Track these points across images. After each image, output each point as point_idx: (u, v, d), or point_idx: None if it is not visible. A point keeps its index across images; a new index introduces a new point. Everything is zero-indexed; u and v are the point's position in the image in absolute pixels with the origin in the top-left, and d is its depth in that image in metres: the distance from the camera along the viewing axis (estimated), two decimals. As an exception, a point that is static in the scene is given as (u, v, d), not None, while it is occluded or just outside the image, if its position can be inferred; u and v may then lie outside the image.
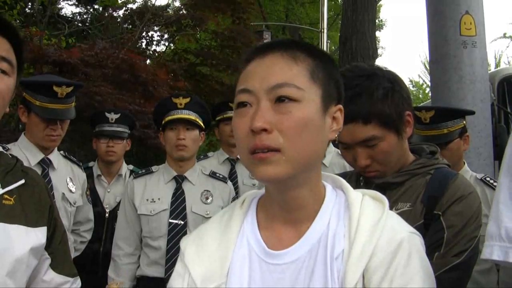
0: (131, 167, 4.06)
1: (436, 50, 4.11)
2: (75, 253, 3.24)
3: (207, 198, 3.00)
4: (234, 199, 3.00)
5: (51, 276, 1.50)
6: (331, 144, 3.29)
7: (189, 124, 2.95)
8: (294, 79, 1.08)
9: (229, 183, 3.17)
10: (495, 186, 2.34)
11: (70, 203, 3.10)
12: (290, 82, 1.08)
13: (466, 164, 3.00)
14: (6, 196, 1.40)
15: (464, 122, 2.95)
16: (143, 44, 12.14)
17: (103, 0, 12.17)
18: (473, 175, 2.90)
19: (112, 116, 3.74)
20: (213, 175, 3.12)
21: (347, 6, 8.93)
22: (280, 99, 1.07)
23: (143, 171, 3.11)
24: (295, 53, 1.12)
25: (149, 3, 12.32)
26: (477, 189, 2.73)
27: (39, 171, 2.76)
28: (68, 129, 3.12)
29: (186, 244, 1.21)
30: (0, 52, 1.37)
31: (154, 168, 3.09)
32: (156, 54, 12.56)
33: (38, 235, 1.44)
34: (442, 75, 4.01)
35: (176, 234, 2.82)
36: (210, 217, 1.31)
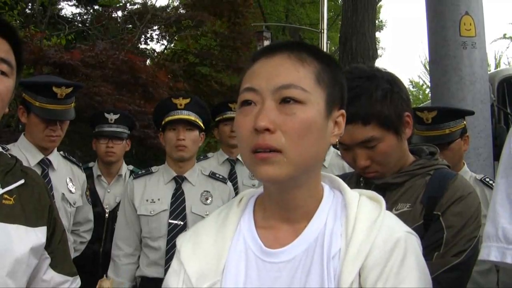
0: (131, 167, 4.06)
1: (436, 50, 4.12)
2: (75, 253, 3.24)
3: (206, 199, 3.00)
4: (234, 199, 3.00)
5: (51, 275, 1.51)
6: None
7: (189, 125, 2.95)
8: (300, 81, 1.09)
9: (229, 183, 3.17)
10: (495, 186, 2.33)
11: (70, 204, 3.10)
12: (297, 84, 1.08)
13: (465, 164, 3.00)
14: (6, 196, 1.40)
15: (465, 122, 2.96)
16: (143, 44, 12.15)
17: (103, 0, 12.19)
18: (472, 176, 2.91)
19: (112, 117, 3.74)
20: (212, 175, 3.12)
21: (347, 7, 8.94)
22: (285, 100, 1.08)
23: (143, 171, 3.11)
24: (302, 55, 1.12)
25: (149, 3, 12.32)
26: (477, 189, 2.73)
27: (38, 172, 2.76)
28: (68, 130, 3.12)
29: (182, 241, 1.21)
30: (0, 54, 1.37)
31: (154, 168, 3.09)
32: (156, 54, 12.57)
33: (38, 235, 1.44)
34: (442, 75, 4.02)
35: (176, 234, 2.82)
36: None
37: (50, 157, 3.02)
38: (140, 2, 12.70)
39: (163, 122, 2.98)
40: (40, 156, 2.96)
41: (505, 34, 20.45)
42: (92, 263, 3.52)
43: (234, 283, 1.11)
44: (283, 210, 1.15)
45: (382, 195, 1.67)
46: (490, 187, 2.78)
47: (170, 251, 2.81)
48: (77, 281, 1.61)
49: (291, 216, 1.15)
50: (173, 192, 2.97)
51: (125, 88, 8.39)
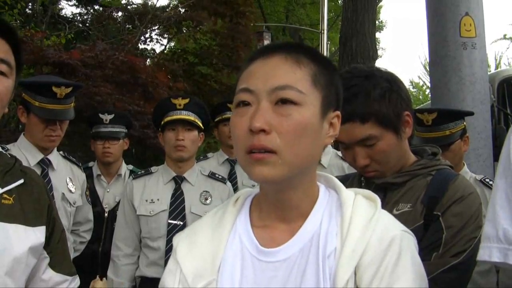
0: (130, 167, 4.05)
1: (436, 51, 4.12)
2: (75, 253, 3.24)
3: (206, 199, 3.00)
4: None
5: (50, 275, 1.50)
6: (329, 146, 3.29)
7: (188, 125, 2.95)
8: (297, 82, 1.09)
9: (228, 183, 3.17)
10: (494, 187, 2.34)
11: (70, 203, 3.10)
12: (293, 85, 1.09)
13: (465, 165, 3.00)
14: (5, 195, 1.40)
15: (464, 123, 2.96)
16: (143, 44, 12.15)
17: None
18: (472, 176, 2.91)
19: (106, 117, 3.73)
20: (212, 175, 3.12)
21: (347, 7, 8.94)
22: (281, 101, 1.08)
23: (142, 172, 3.11)
24: (299, 57, 1.13)
25: (149, 3, 12.33)
26: (477, 190, 2.74)
27: (38, 172, 2.76)
28: (68, 130, 3.12)
29: (179, 240, 1.22)
30: None
31: (153, 169, 3.09)
32: (155, 54, 12.57)
33: (37, 235, 1.44)
34: (442, 76, 4.02)
35: (175, 235, 2.81)
36: None
37: (50, 157, 3.02)
38: (141, 2, 12.71)
39: (162, 122, 2.98)
40: (40, 156, 2.96)
41: (505, 35, 20.48)
42: (91, 263, 3.51)
43: (230, 282, 1.11)
44: (279, 210, 1.16)
45: (383, 195, 1.69)
46: (490, 187, 2.78)
47: (170, 251, 2.79)
48: (76, 280, 1.61)
49: (287, 215, 1.15)
50: (173, 192, 2.97)
51: (125, 88, 8.39)
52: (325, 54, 14.10)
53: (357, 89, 1.65)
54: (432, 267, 1.55)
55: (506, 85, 5.21)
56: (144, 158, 10.45)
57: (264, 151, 1.06)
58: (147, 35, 12.07)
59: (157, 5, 12.64)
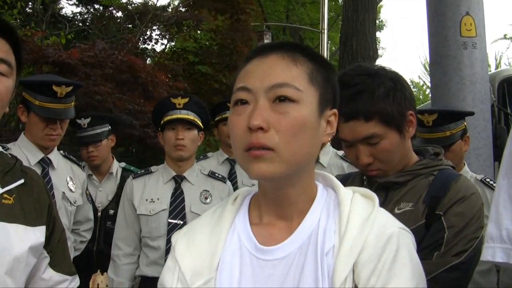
0: (123, 164, 4.04)
1: (436, 51, 4.11)
2: (75, 252, 3.24)
3: (206, 198, 3.00)
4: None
5: (50, 274, 1.51)
6: (329, 145, 3.29)
7: (188, 124, 2.95)
8: (294, 80, 1.10)
9: (228, 183, 3.18)
10: (495, 187, 2.34)
11: (70, 202, 3.10)
12: (290, 83, 1.09)
13: (466, 165, 3.00)
14: (5, 195, 1.40)
15: (465, 123, 2.96)
16: (143, 44, 12.14)
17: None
18: (473, 176, 2.91)
19: (83, 122, 3.69)
20: (212, 175, 3.12)
21: (347, 7, 8.94)
22: (278, 99, 1.09)
23: (142, 171, 3.11)
24: (296, 55, 1.14)
25: (150, 3, 12.33)
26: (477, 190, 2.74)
27: (39, 171, 2.76)
28: (68, 129, 3.12)
29: (177, 238, 1.23)
30: None
31: (153, 168, 3.09)
32: (155, 53, 12.56)
33: (37, 234, 1.44)
34: (442, 76, 4.02)
35: (175, 233, 2.82)
36: None
37: (50, 156, 3.02)
38: (141, 1, 12.70)
39: (162, 122, 2.98)
40: (40, 155, 2.96)
41: (505, 35, 20.45)
42: (86, 262, 3.51)
43: (229, 280, 1.12)
44: (278, 207, 1.16)
45: (384, 194, 1.69)
46: (491, 187, 2.78)
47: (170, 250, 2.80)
48: (76, 280, 1.61)
49: (285, 213, 1.16)
50: (173, 191, 2.97)
51: (124, 87, 8.39)
52: (325, 53, 14.12)
53: (362, 87, 1.65)
54: (433, 266, 1.55)
55: (506, 85, 5.21)
56: (144, 157, 10.45)
57: (262, 148, 1.06)
58: (147, 35, 12.06)
59: (158, 5, 12.62)
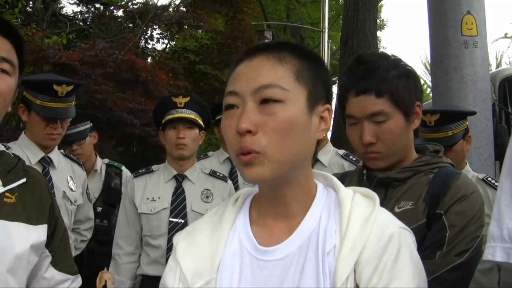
0: (106, 160, 4.04)
1: (437, 50, 4.11)
2: (76, 251, 3.24)
3: (207, 197, 3.00)
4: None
5: (52, 273, 1.51)
6: (329, 144, 3.29)
7: (189, 123, 2.95)
8: (279, 80, 1.10)
9: (229, 182, 3.18)
10: (496, 186, 2.34)
11: (71, 202, 3.10)
12: (275, 83, 1.09)
13: (467, 164, 3.00)
14: (7, 194, 1.41)
15: (467, 123, 2.96)
16: (144, 43, 12.15)
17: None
18: (474, 175, 2.91)
19: None
20: (213, 174, 3.12)
21: (348, 6, 8.95)
22: (265, 100, 1.09)
23: (143, 170, 3.11)
24: (282, 54, 1.13)
25: (150, 3, 12.32)
26: (479, 189, 2.74)
27: (39, 170, 2.76)
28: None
29: (179, 239, 1.23)
30: (2, 53, 1.38)
31: (154, 167, 3.10)
32: (156, 52, 12.57)
33: (39, 233, 1.45)
34: (443, 75, 4.01)
35: (176, 233, 2.81)
36: None
37: (51, 155, 3.02)
38: (142, 1, 12.70)
39: (163, 121, 2.98)
40: (41, 154, 2.96)
41: (506, 34, 20.38)
42: (77, 261, 3.50)
43: (229, 281, 1.12)
44: (276, 207, 1.16)
45: (384, 192, 1.69)
46: (492, 186, 2.78)
47: (171, 249, 2.79)
48: (78, 279, 1.62)
49: (284, 212, 1.16)
50: (174, 190, 2.97)
51: (125, 86, 8.39)
52: (326, 52, 14.11)
53: (377, 65, 1.68)
54: (436, 266, 1.55)
55: (507, 84, 5.20)
56: (145, 156, 10.46)
57: (250, 153, 1.07)
58: (148, 34, 12.07)
59: (158, 4, 12.62)
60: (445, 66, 4.00)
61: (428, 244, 1.60)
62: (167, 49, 13.52)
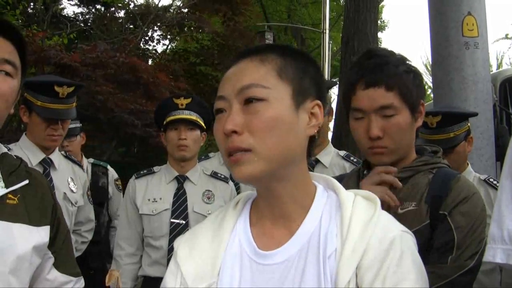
0: (91, 160, 4.04)
1: (438, 51, 4.11)
2: (77, 253, 3.24)
3: (208, 198, 3.00)
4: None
5: (55, 275, 1.51)
6: (330, 145, 3.28)
7: (191, 124, 2.95)
8: (260, 79, 1.11)
9: (231, 183, 3.17)
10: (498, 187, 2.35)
11: (72, 203, 3.10)
12: (257, 83, 1.11)
13: (469, 165, 3.00)
14: (10, 195, 1.41)
15: (469, 124, 2.96)
16: (145, 44, 12.15)
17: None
18: (476, 176, 2.91)
19: None
20: (214, 175, 3.12)
21: (349, 7, 8.95)
22: (248, 100, 1.10)
23: (145, 171, 3.11)
24: (265, 55, 1.15)
25: (151, 3, 12.33)
26: (481, 190, 2.74)
27: (40, 171, 2.76)
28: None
29: (179, 243, 1.23)
30: (4, 55, 1.38)
31: (155, 168, 3.10)
32: (157, 54, 12.57)
33: (41, 234, 1.45)
34: (444, 76, 4.01)
35: (177, 233, 2.82)
36: None
37: (52, 156, 3.02)
38: (143, 2, 12.71)
39: (164, 122, 2.98)
40: (42, 156, 2.96)
41: (507, 35, 20.39)
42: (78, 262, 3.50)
43: (229, 285, 1.12)
44: (274, 207, 1.17)
45: None
46: (494, 187, 2.78)
47: (172, 250, 2.79)
48: (81, 281, 1.61)
49: (282, 212, 1.16)
50: (175, 191, 2.98)
51: (127, 87, 8.40)
52: (327, 53, 14.11)
53: (387, 60, 1.68)
54: (449, 270, 1.57)
55: (508, 85, 5.19)
56: (146, 157, 10.45)
57: (238, 151, 1.09)
58: (149, 35, 12.07)
59: (159, 5, 12.63)
60: (446, 67, 4.00)
61: (437, 247, 1.61)
62: (167, 51, 13.52)
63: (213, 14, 12.42)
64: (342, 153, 3.30)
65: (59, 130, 2.95)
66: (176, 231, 2.85)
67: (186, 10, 12.37)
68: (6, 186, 1.41)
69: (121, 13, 12.52)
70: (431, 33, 4.21)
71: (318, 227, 1.13)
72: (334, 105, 9.54)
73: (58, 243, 1.52)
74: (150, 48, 12.51)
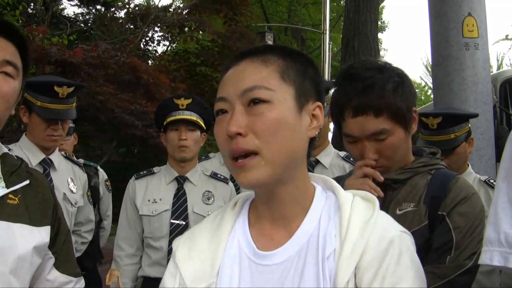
0: (81, 160, 4.04)
1: (438, 52, 4.10)
2: (76, 253, 3.24)
3: (208, 199, 3.00)
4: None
5: (55, 275, 1.51)
6: (330, 146, 3.28)
7: (191, 125, 2.95)
8: (263, 81, 1.11)
9: (231, 183, 3.17)
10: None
11: (71, 204, 3.10)
12: (260, 84, 1.10)
13: (470, 166, 3.00)
14: (10, 196, 1.41)
15: (469, 125, 2.96)
16: (145, 45, 12.16)
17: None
18: (476, 177, 2.91)
19: None
20: (214, 176, 3.12)
21: (349, 8, 8.95)
22: (252, 102, 1.10)
23: (145, 172, 3.11)
24: (266, 56, 1.15)
25: (152, 3, 12.34)
26: (481, 190, 2.75)
27: (40, 171, 2.76)
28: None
29: (178, 244, 1.23)
30: (5, 56, 1.38)
31: (155, 169, 3.10)
32: (157, 55, 12.58)
33: (42, 234, 1.45)
34: (444, 77, 4.01)
35: (177, 234, 2.81)
36: None
37: (52, 156, 3.02)
38: (143, 3, 12.72)
39: (164, 123, 2.98)
40: (42, 156, 2.96)
41: (507, 36, 20.37)
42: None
43: (228, 285, 1.12)
44: (274, 209, 1.17)
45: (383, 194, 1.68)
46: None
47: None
48: (81, 282, 1.62)
49: (282, 214, 1.16)
50: (175, 192, 2.98)
51: (127, 88, 8.40)
52: (327, 54, 14.11)
53: (372, 81, 1.64)
54: (448, 270, 1.57)
55: (508, 86, 5.19)
56: (146, 157, 10.46)
57: (244, 154, 1.08)
58: (149, 36, 12.08)
59: (159, 5, 12.63)
60: (446, 68, 3.99)
61: (436, 247, 1.61)
62: (168, 51, 13.53)
63: (213, 14, 12.42)
64: (342, 153, 3.30)
65: (59, 130, 2.95)
66: (176, 231, 2.85)
67: (186, 11, 12.37)
68: (7, 186, 1.41)
69: (122, 14, 12.52)
70: (431, 34, 4.21)
71: (317, 227, 1.13)
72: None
73: (58, 244, 1.52)
74: (150, 48, 12.53)
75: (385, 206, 1.66)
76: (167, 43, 13.46)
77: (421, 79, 26.40)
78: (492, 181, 2.84)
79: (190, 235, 1.24)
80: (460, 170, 2.78)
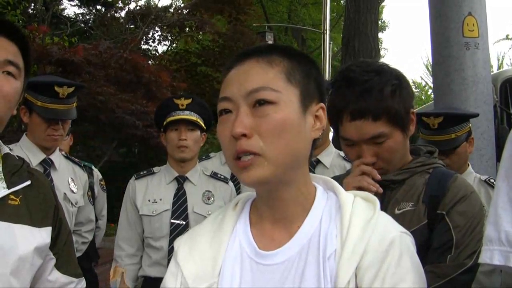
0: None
1: (438, 51, 4.10)
2: (77, 253, 3.24)
3: (208, 199, 3.00)
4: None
5: (56, 276, 1.51)
6: (331, 145, 3.28)
7: (191, 125, 2.95)
8: (269, 82, 1.11)
9: (231, 183, 3.17)
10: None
11: (72, 204, 3.10)
12: (266, 85, 1.10)
13: (470, 165, 3.00)
14: (12, 196, 1.41)
15: (470, 125, 2.96)
16: (146, 45, 12.16)
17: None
18: (477, 177, 2.91)
19: None
20: (214, 175, 3.12)
21: (350, 8, 8.95)
22: (258, 103, 1.09)
23: (145, 172, 3.11)
24: (271, 57, 1.14)
25: (152, 3, 12.34)
26: (481, 190, 2.75)
27: (41, 172, 2.77)
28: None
29: (180, 244, 1.24)
30: (8, 56, 1.38)
31: (155, 169, 3.10)
32: (158, 54, 12.58)
33: (43, 235, 1.45)
34: (444, 76, 4.01)
35: (178, 234, 2.82)
36: None
37: (52, 157, 3.02)
38: (143, 3, 12.72)
39: (164, 123, 2.98)
40: (42, 156, 2.96)
41: (507, 35, 20.41)
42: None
43: (229, 285, 1.13)
44: (275, 210, 1.17)
45: (382, 194, 1.69)
46: (495, 188, 2.78)
47: (173, 250, 2.79)
48: (82, 282, 1.61)
49: (283, 215, 1.16)
50: (175, 192, 2.98)
51: (128, 88, 8.40)
52: (327, 54, 14.10)
53: (369, 85, 1.64)
54: (449, 269, 1.58)
55: (508, 86, 5.18)
56: (147, 157, 10.46)
57: (248, 154, 1.08)
58: (149, 36, 12.08)
59: (160, 5, 12.63)
60: (446, 68, 3.99)
61: (436, 246, 1.61)
62: (168, 51, 13.53)
63: (217, 14, 12.43)
64: (343, 153, 3.30)
65: (59, 130, 2.95)
66: (177, 231, 2.85)
67: (186, 11, 12.37)
68: (8, 187, 1.41)
69: (122, 14, 12.53)
70: (432, 33, 4.21)
71: (318, 228, 1.13)
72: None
73: (59, 244, 1.52)
74: (151, 48, 12.53)
75: (383, 205, 1.66)
76: (167, 43, 13.47)
77: (422, 78, 26.44)
78: (492, 180, 2.84)
79: (191, 235, 1.24)
80: (461, 170, 2.78)
